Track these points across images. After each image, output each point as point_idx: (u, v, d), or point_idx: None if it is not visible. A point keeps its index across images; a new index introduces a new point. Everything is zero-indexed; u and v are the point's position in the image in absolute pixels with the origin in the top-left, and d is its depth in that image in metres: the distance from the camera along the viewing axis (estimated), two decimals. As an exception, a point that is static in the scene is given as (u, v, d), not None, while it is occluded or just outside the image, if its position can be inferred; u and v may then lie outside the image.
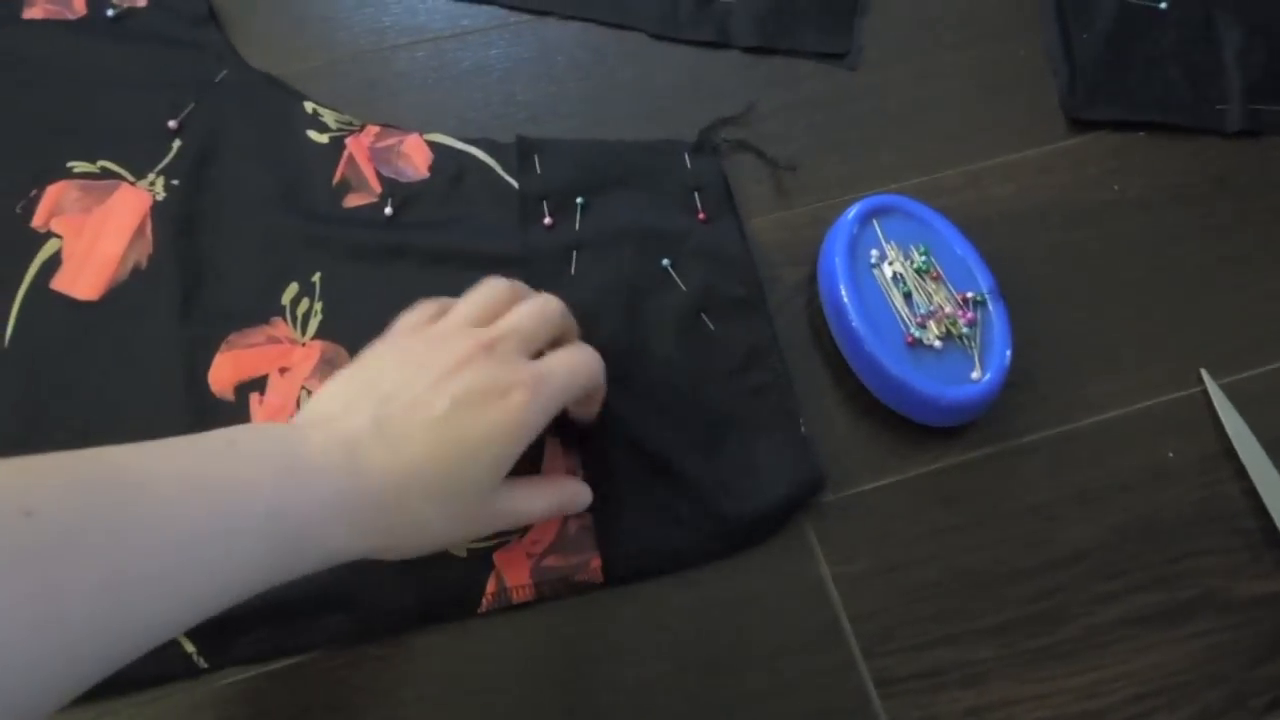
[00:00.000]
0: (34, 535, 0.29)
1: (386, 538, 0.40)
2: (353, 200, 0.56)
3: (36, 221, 0.54)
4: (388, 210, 0.56)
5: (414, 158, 0.58)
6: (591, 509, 0.48)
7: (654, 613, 0.47)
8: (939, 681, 0.46)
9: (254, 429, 0.39)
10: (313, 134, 0.58)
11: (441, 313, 0.45)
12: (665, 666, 0.46)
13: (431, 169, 0.57)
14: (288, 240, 0.54)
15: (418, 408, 0.40)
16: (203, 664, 0.44)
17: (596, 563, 0.47)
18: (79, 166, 0.56)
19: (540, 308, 0.45)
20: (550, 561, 0.47)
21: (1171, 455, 0.52)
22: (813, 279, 0.55)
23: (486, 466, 0.41)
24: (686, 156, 0.58)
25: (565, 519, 0.48)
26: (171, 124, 0.57)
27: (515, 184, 0.57)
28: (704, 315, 0.53)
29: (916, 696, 0.45)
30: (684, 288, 0.54)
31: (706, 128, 0.59)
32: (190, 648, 0.44)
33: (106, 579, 0.31)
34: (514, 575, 0.47)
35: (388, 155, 0.58)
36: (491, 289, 0.46)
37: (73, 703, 0.41)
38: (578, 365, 0.44)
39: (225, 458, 0.36)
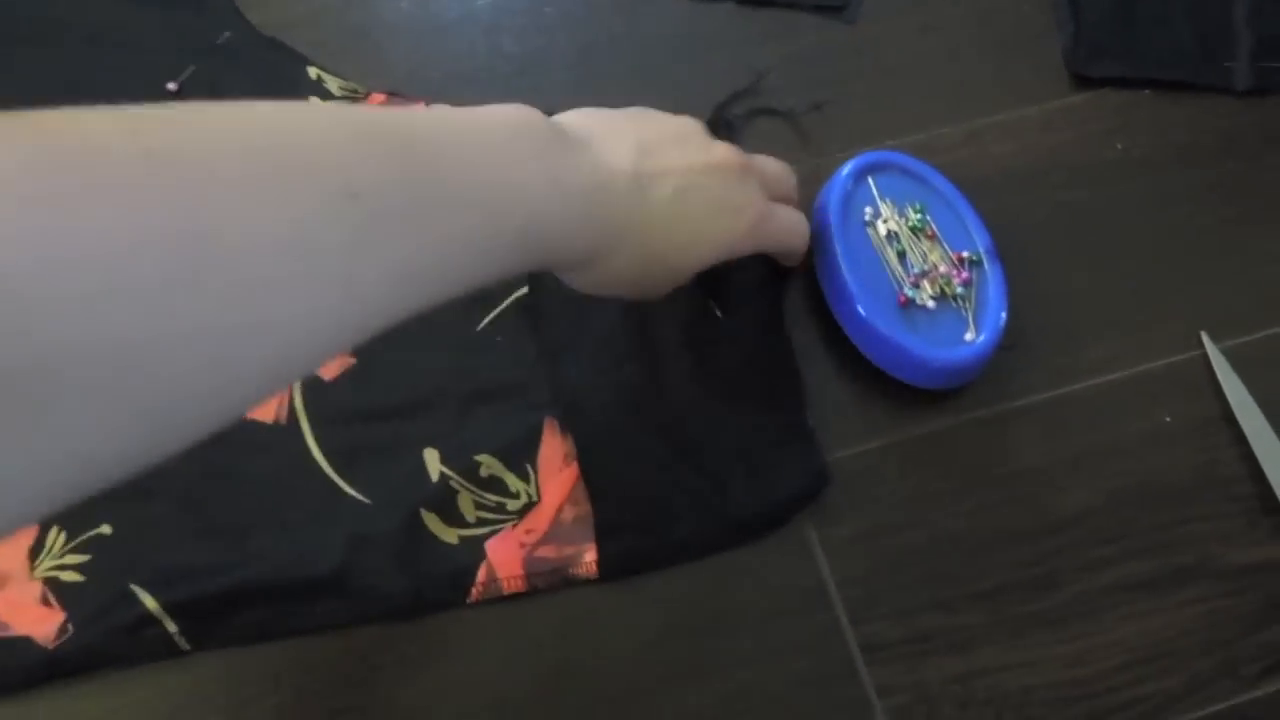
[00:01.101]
0: (355, 220, 0.28)
1: (597, 268, 0.41)
2: None
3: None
4: None
5: None
6: (591, 500, 0.46)
7: (639, 578, 0.45)
8: (926, 647, 0.44)
9: (533, 121, 0.38)
10: (316, 101, 0.55)
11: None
12: (650, 631, 0.44)
13: None
14: None
15: (674, 173, 0.41)
16: (185, 645, 0.43)
17: (592, 556, 0.45)
18: (70, 126, 0.54)
19: (784, 166, 0.49)
20: (544, 552, 0.45)
21: (1169, 419, 0.49)
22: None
23: (691, 261, 0.43)
24: None
25: (560, 509, 0.46)
26: (171, 86, 0.55)
27: None
28: (711, 302, 0.50)
29: (903, 662, 0.43)
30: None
31: (720, 104, 0.56)
32: (172, 628, 0.43)
33: (403, 271, 0.31)
34: (506, 566, 0.45)
35: None
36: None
37: (44, 684, 0.42)
38: (795, 225, 0.48)
39: (507, 155, 0.36)
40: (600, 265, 0.40)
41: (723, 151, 0.43)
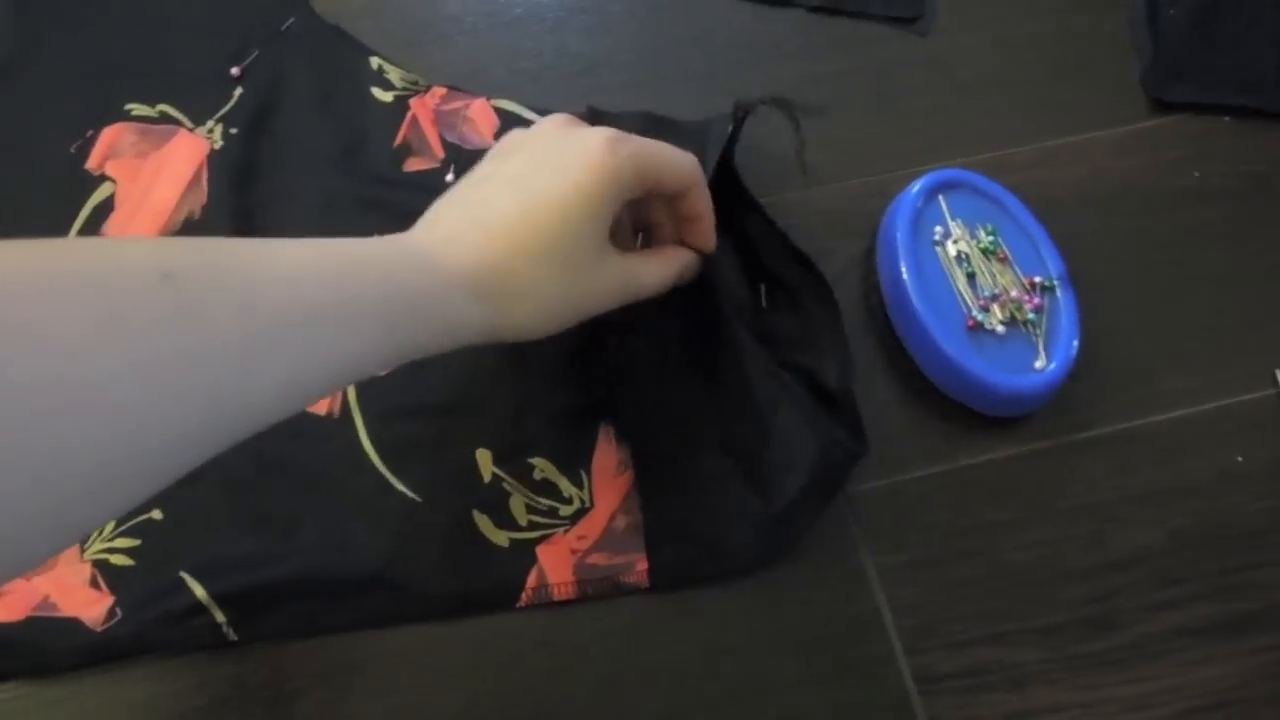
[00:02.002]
0: (172, 297, 0.28)
1: (502, 306, 0.37)
2: (413, 164, 0.52)
3: (91, 164, 0.51)
4: (449, 177, 0.51)
5: (479, 124, 0.53)
6: (642, 509, 0.44)
7: (687, 595, 0.43)
8: (981, 682, 0.42)
9: (368, 239, 0.37)
10: (377, 91, 0.54)
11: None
12: (696, 651, 0.42)
13: (496, 136, 0.53)
14: (344, 201, 0.51)
15: (499, 175, 0.39)
16: (232, 635, 0.42)
17: (643, 565, 0.44)
18: (137, 109, 0.53)
19: (678, 152, 0.41)
20: (595, 559, 0.44)
21: (1240, 459, 0.47)
22: (870, 254, 0.50)
23: (581, 220, 0.38)
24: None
25: (613, 516, 0.45)
26: (234, 71, 0.54)
27: None
28: (762, 292, 0.48)
29: (957, 696, 0.41)
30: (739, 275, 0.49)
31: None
32: (220, 618, 0.42)
33: (236, 347, 0.29)
34: (556, 572, 0.43)
35: (453, 119, 0.53)
36: None
37: (91, 667, 0.41)
38: (669, 151, 0.40)
39: (347, 243, 0.35)
40: (509, 301, 0.37)
41: (548, 120, 0.41)
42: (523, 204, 0.37)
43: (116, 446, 0.27)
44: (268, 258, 0.32)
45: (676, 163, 0.41)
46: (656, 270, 0.41)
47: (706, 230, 0.43)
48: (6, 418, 0.24)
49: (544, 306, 0.38)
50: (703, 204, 0.42)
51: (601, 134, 0.39)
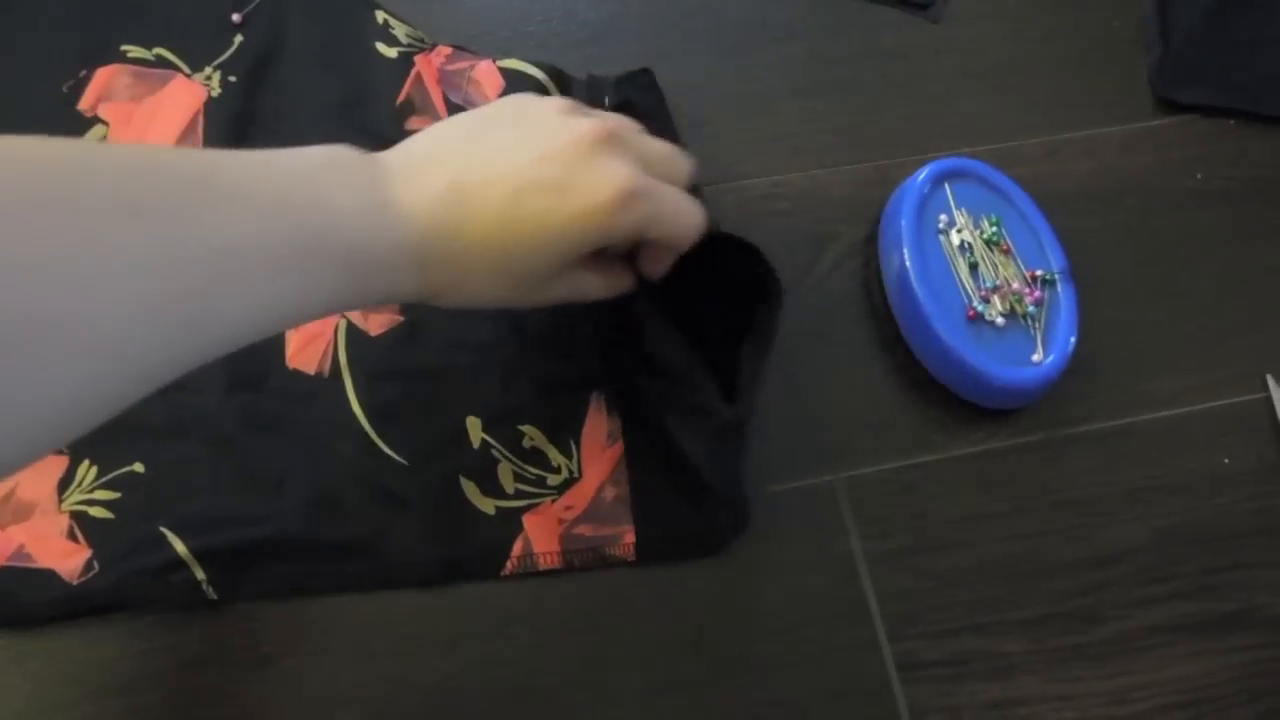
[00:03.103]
0: (141, 240, 0.28)
1: (442, 287, 0.37)
2: (415, 123, 0.50)
3: (84, 104, 0.48)
4: None
5: (484, 85, 0.51)
6: (630, 481, 0.43)
7: (675, 572, 0.42)
8: (963, 671, 0.41)
9: (344, 155, 0.36)
10: (381, 46, 0.52)
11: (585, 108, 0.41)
12: (681, 629, 0.41)
13: (501, 98, 0.51)
14: None
15: (505, 177, 0.36)
16: (211, 594, 0.40)
17: (629, 538, 0.42)
18: (133, 51, 0.50)
19: (672, 149, 0.41)
20: (582, 530, 0.43)
21: (1227, 461, 0.46)
22: (872, 239, 0.49)
23: (549, 253, 0.37)
24: None
25: (601, 488, 0.43)
26: (235, 18, 0.51)
27: None
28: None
29: (939, 684, 0.41)
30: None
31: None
32: (200, 575, 0.40)
33: (200, 287, 0.29)
34: (542, 541, 0.42)
35: (457, 80, 0.51)
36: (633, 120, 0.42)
37: (65, 620, 0.40)
38: (684, 206, 0.39)
39: (318, 185, 0.34)
40: (450, 285, 0.37)
41: (583, 126, 0.37)
42: (506, 220, 0.36)
43: (78, 379, 0.27)
44: (242, 197, 0.31)
45: (681, 226, 0.39)
46: (601, 286, 0.40)
47: (662, 269, 0.41)
48: None
49: (473, 297, 0.38)
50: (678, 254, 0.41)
51: (626, 181, 0.36)
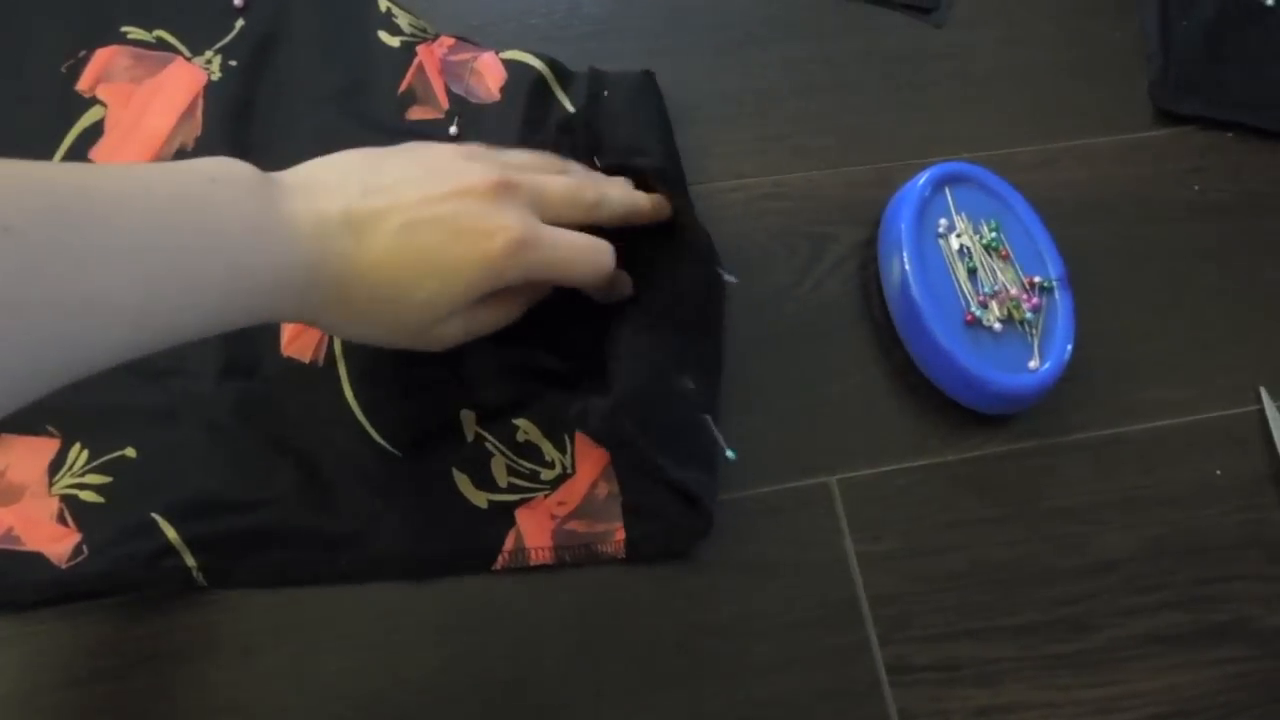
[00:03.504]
0: (10, 251, 0.27)
1: (326, 318, 0.37)
2: (416, 113, 0.50)
3: (82, 85, 0.48)
4: (453, 130, 0.49)
5: (486, 77, 0.51)
6: (620, 480, 0.43)
7: (668, 570, 0.42)
8: (953, 676, 0.41)
9: (235, 171, 0.35)
10: (383, 35, 0.51)
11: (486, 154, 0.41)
12: (673, 629, 0.41)
13: (503, 91, 0.50)
14: (342, 144, 0.47)
15: (398, 210, 0.36)
16: (202, 581, 0.40)
17: (621, 536, 0.42)
18: (133, 33, 0.49)
19: (576, 186, 0.41)
20: (574, 526, 0.42)
21: (1219, 473, 0.46)
22: (871, 242, 0.49)
23: (435, 295, 0.37)
24: None
25: (594, 484, 0.43)
26: (237, 2, 0.51)
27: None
28: (720, 270, 0.46)
29: (928, 688, 0.41)
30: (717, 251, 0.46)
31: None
32: (191, 562, 0.40)
33: (70, 302, 0.29)
34: (534, 536, 0.42)
35: (460, 71, 0.51)
36: (544, 155, 0.43)
37: (53, 604, 0.39)
38: (580, 250, 0.39)
39: (201, 202, 0.33)
40: (334, 313, 0.37)
41: (477, 173, 0.38)
42: (395, 255, 0.36)
43: None
44: (118, 214, 0.31)
45: (578, 268, 0.40)
46: (493, 316, 0.41)
47: (612, 297, 0.43)
48: None
49: (359, 334, 0.39)
50: (620, 285, 0.43)
51: (514, 231, 0.37)
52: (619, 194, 0.43)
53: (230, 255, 0.33)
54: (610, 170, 0.45)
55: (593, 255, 0.40)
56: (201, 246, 0.32)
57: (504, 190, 0.38)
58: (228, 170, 0.35)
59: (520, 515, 0.42)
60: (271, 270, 0.34)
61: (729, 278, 0.45)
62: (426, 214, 0.36)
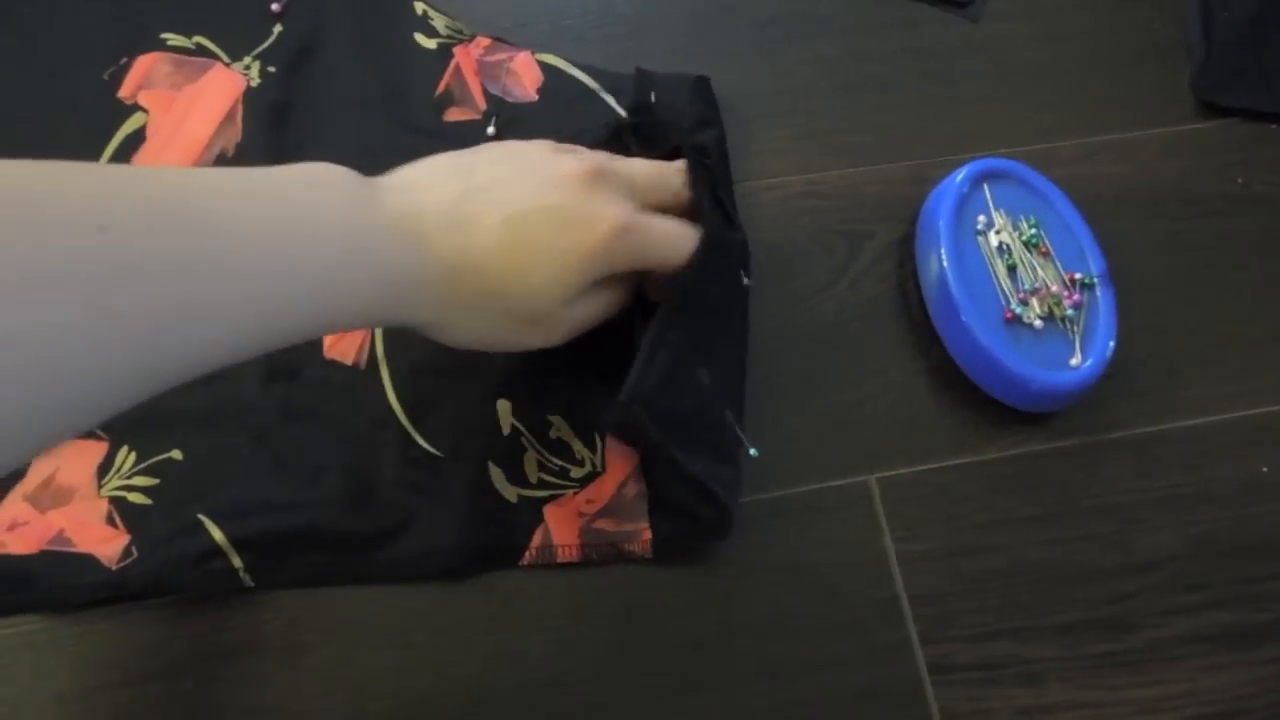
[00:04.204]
0: (106, 253, 0.26)
1: (435, 316, 0.36)
2: (454, 114, 0.50)
3: (124, 92, 0.48)
4: (490, 130, 0.49)
5: (523, 77, 0.51)
6: (647, 479, 0.42)
7: (707, 570, 0.42)
8: (996, 675, 0.40)
9: (334, 173, 0.35)
10: (420, 38, 0.51)
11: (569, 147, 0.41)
12: (712, 628, 0.41)
13: (540, 92, 0.50)
14: (381, 148, 0.48)
15: (502, 203, 0.36)
16: (248, 582, 0.40)
17: (648, 535, 0.42)
18: (173, 39, 0.50)
19: (659, 169, 0.42)
20: (602, 524, 0.42)
21: (1265, 470, 0.45)
22: (908, 240, 0.48)
23: (546, 283, 0.37)
24: None
25: (624, 483, 0.43)
26: (275, 7, 0.51)
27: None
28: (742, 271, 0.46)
29: (971, 688, 0.40)
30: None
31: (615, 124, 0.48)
32: (238, 563, 0.40)
33: (169, 307, 0.28)
34: (563, 533, 0.42)
35: (496, 71, 0.51)
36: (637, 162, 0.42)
37: (103, 605, 0.39)
38: (670, 234, 0.40)
39: (301, 206, 0.33)
40: (443, 310, 0.36)
41: (569, 164, 0.38)
42: (504, 246, 0.36)
43: (27, 399, 0.25)
44: (216, 215, 0.30)
45: (672, 250, 0.40)
46: (598, 306, 0.40)
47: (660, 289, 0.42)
48: None
49: (470, 334, 0.38)
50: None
51: (618, 216, 0.37)
52: (671, 165, 0.43)
53: (333, 253, 0.32)
54: (672, 156, 0.45)
55: (684, 240, 0.40)
56: (303, 246, 0.32)
57: (599, 178, 0.38)
58: (326, 173, 0.35)
59: (549, 512, 0.42)
60: (376, 268, 0.34)
61: (746, 281, 0.45)
62: (531, 205, 0.36)
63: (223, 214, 0.30)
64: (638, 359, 0.40)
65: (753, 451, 0.42)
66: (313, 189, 0.33)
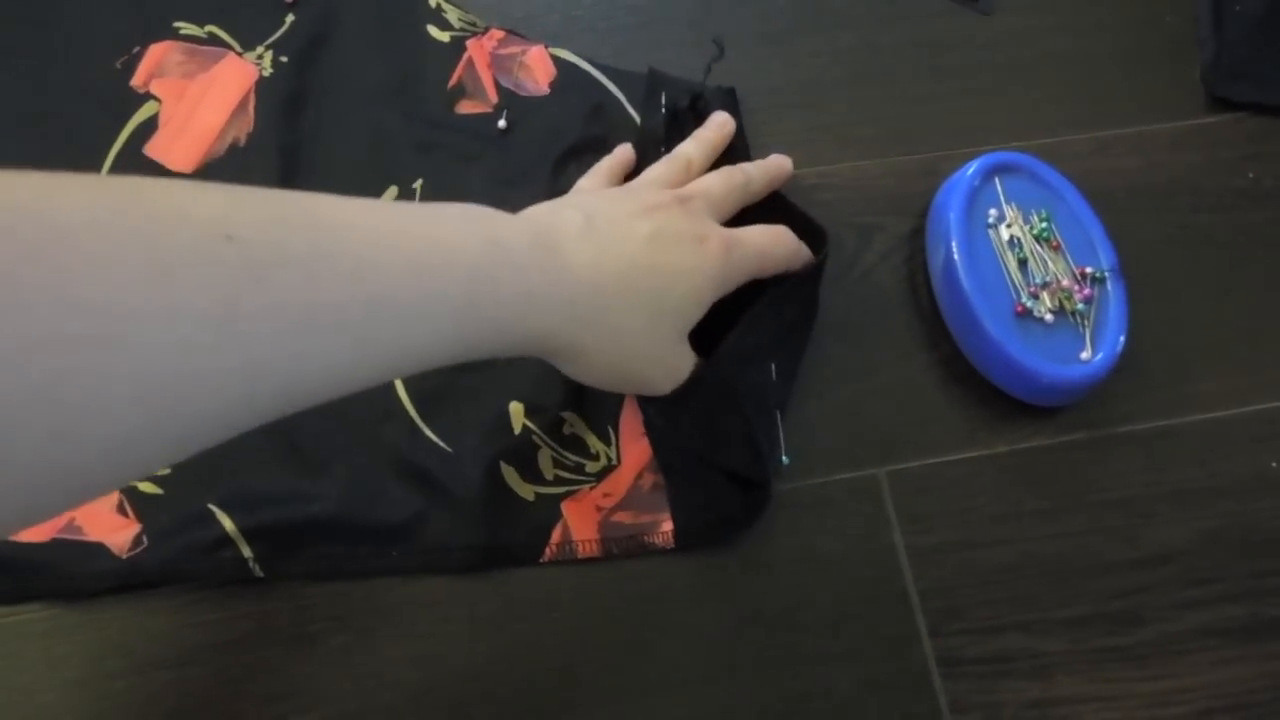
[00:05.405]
0: (231, 260, 0.25)
1: (573, 338, 0.36)
2: (466, 107, 0.49)
3: (136, 80, 0.48)
4: (501, 123, 0.48)
5: (536, 71, 0.50)
6: (665, 470, 0.42)
7: (717, 561, 0.41)
8: (1004, 669, 0.40)
9: (459, 206, 0.34)
10: (433, 30, 0.51)
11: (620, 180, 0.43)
12: (723, 619, 0.40)
13: (553, 86, 0.50)
14: (393, 140, 0.48)
15: (622, 224, 0.37)
16: (258, 572, 0.40)
17: (668, 526, 0.41)
18: (186, 28, 0.49)
19: (727, 176, 0.42)
20: (620, 517, 0.42)
21: (1275, 465, 0.44)
22: (918, 233, 0.48)
23: (682, 300, 0.37)
24: None
25: (640, 475, 0.43)
26: (286, -1, 0.51)
27: (638, 119, 0.49)
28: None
29: (979, 681, 0.40)
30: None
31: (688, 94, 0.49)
32: (248, 552, 0.40)
33: (293, 320, 0.27)
34: (581, 529, 0.41)
35: (509, 64, 0.50)
36: (681, 156, 0.43)
37: (114, 593, 0.39)
38: (767, 242, 0.41)
39: (429, 224, 0.32)
40: (585, 330, 0.35)
41: (654, 195, 0.39)
42: (639, 262, 0.36)
43: (138, 416, 0.24)
44: (344, 226, 0.29)
45: (784, 251, 0.41)
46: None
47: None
48: (18, 372, 0.21)
49: (619, 352, 0.37)
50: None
51: (718, 232, 0.38)
52: (750, 168, 0.44)
53: (465, 275, 0.31)
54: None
55: (784, 237, 0.42)
56: (433, 266, 0.30)
57: (686, 202, 0.39)
58: (452, 205, 0.34)
59: (567, 508, 0.42)
60: (511, 288, 0.32)
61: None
62: (648, 225, 0.37)
63: (350, 232, 0.29)
64: (739, 325, 0.40)
65: (784, 459, 0.42)
66: (438, 214, 0.33)
